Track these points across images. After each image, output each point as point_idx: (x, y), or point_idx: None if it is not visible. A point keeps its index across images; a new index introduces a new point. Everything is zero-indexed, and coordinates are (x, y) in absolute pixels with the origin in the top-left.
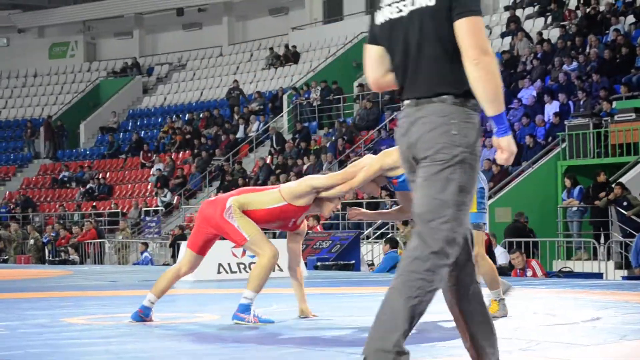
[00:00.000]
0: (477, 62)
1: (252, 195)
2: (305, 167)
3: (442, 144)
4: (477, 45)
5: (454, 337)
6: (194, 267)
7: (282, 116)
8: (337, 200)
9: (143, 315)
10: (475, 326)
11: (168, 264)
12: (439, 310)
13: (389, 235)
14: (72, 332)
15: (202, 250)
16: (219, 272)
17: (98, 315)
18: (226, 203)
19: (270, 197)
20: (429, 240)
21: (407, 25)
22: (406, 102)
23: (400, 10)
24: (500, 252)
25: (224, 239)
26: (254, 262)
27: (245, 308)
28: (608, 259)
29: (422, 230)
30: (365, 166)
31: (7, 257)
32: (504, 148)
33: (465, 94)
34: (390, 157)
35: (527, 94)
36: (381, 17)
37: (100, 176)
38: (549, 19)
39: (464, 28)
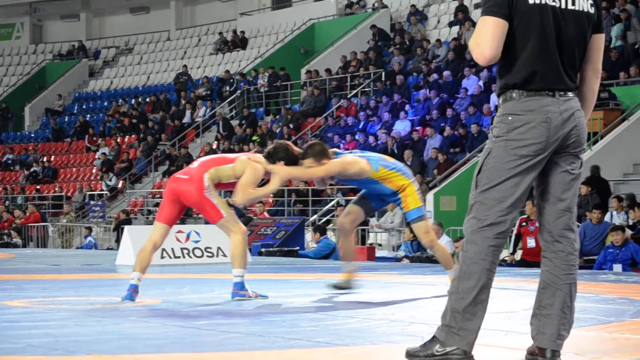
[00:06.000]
0: (599, 77)
1: (220, 170)
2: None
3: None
4: (601, 61)
5: (393, 325)
6: (165, 238)
7: (229, 102)
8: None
9: (136, 294)
10: None
11: (112, 249)
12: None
13: (321, 222)
14: (12, 315)
15: (173, 222)
16: (162, 257)
17: (38, 298)
18: (203, 180)
19: (228, 172)
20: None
21: (563, 19)
22: (542, 90)
23: (554, 1)
24: (446, 240)
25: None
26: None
27: (241, 285)
28: None
29: (574, 221)
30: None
31: None
32: None
33: None
34: (351, 169)
35: (474, 83)
36: None
37: (44, 159)
38: None
39: (600, 43)
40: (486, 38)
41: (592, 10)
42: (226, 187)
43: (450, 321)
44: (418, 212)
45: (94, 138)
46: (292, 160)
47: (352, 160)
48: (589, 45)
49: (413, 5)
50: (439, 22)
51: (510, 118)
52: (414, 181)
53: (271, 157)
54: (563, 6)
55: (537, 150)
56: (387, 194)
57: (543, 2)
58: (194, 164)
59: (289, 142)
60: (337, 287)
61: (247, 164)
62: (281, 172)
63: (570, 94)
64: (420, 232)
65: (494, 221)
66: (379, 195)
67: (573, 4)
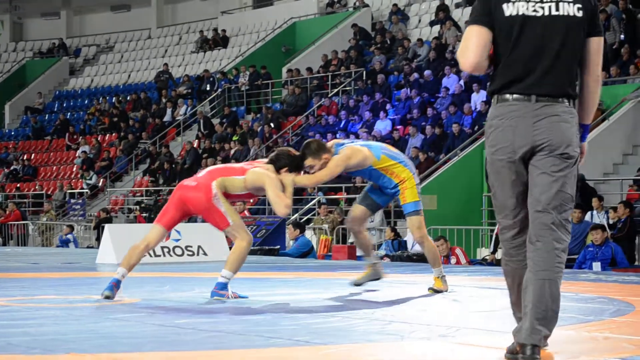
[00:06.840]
0: (598, 79)
1: (227, 180)
2: (232, 151)
3: (574, 142)
4: (600, 64)
5: (373, 323)
6: (160, 242)
7: (209, 100)
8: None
9: (116, 288)
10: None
11: (92, 247)
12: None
13: (302, 220)
14: None
15: (172, 227)
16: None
17: (17, 297)
18: (211, 188)
19: (238, 184)
20: (564, 230)
21: (545, 27)
22: (518, 95)
23: (536, 11)
24: None
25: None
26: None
27: (223, 286)
28: None
29: (556, 221)
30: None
31: None
32: (585, 151)
33: (575, 99)
34: (353, 160)
35: (455, 82)
36: (512, 9)
37: (25, 157)
38: None
39: (597, 46)
40: (471, 46)
41: (579, 14)
42: (235, 198)
43: (514, 312)
44: (414, 206)
45: (75, 136)
46: (295, 164)
47: (352, 152)
48: (585, 49)
49: (394, 5)
50: (420, 21)
51: (485, 124)
52: (415, 175)
53: (275, 164)
54: (546, 13)
55: (507, 153)
56: (389, 187)
57: (520, 13)
58: (202, 172)
59: (290, 148)
60: (357, 284)
61: (261, 175)
62: (288, 182)
63: (554, 100)
64: (413, 226)
65: (506, 225)
66: (383, 188)
67: (557, 9)
